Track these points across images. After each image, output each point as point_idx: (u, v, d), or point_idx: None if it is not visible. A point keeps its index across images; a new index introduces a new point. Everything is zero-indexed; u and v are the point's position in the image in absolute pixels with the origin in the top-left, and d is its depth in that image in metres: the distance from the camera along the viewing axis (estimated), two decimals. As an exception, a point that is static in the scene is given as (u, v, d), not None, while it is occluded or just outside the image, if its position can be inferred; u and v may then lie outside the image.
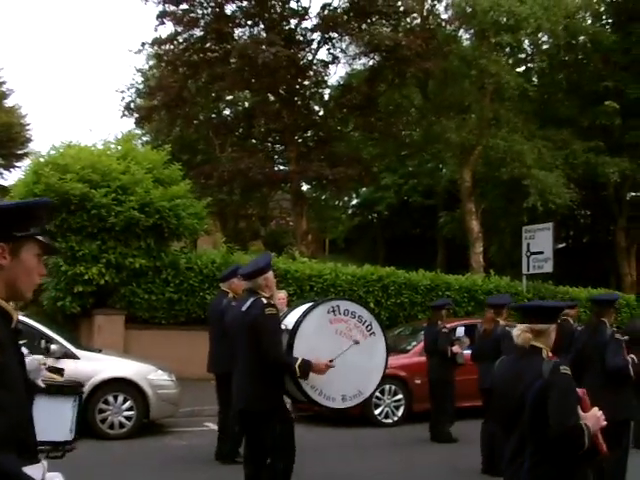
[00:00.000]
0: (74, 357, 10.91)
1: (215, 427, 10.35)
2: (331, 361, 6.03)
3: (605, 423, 4.14)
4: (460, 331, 12.20)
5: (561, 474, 4.12)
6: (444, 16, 28.65)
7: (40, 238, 2.53)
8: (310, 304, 6.44)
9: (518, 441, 4.26)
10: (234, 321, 6.48)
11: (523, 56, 31.24)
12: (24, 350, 5.43)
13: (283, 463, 6.13)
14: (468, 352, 10.81)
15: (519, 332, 4.40)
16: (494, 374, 4.66)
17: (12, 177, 43.35)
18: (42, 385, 4.58)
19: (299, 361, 5.93)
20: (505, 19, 24.63)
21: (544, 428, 4.04)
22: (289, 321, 6.30)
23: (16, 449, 2.27)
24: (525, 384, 4.19)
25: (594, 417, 4.09)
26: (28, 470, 2.29)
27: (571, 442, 4.01)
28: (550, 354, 4.35)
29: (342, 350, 6.10)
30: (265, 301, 6.08)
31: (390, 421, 13.03)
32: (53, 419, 4.32)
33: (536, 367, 4.19)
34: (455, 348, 11.54)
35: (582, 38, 29.08)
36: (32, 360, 4.61)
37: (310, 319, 6.20)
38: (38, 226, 2.52)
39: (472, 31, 28.21)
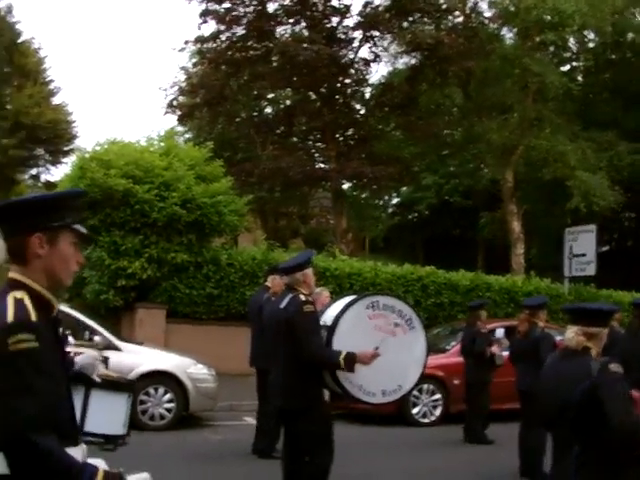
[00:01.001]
0: (116, 349, 11.07)
1: (253, 421, 10.42)
2: (377, 348, 5.99)
3: None
4: (500, 332, 12.11)
5: (610, 474, 4.06)
6: (487, 14, 28.47)
7: (76, 227, 2.59)
8: (349, 299, 6.39)
9: (565, 442, 4.22)
10: (272, 318, 6.50)
11: (568, 55, 30.88)
12: (70, 340, 5.52)
13: (321, 461, 6.14)
14: (507, 353, 10.74)
15: (572, 335, 4.37)
16: (540, 376, 4.63)
17: (58, 173, 44.06)
18: (97, 379, 4.68)
19: (344, 354, 5.87)
20: (549, 16, 24.34)
21: (592, 428, 4.00)
22: (328, 317, 6.27)
23: (54, 432, 2.33)
24: (573, 384, 4.15)
25: None
26: (69, 451, 2.35)
27: (631, 441, 3.96)
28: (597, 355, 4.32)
29: (382, 345, 6.07)
30: (303, 298, 6.06)
31: (427, 421, 12.99)
32: (108, 413, 4.40)
33: (585, 367, 4.15)
34: (494, 349, 11.44)
35: (630, 36, 28.66)
36: (88, 355, 4.71)
37: (349, 315, 6.16)
38: (74, 215, 2.59)
39: (515, 29, 27.98)
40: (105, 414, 4.32)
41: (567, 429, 4.20)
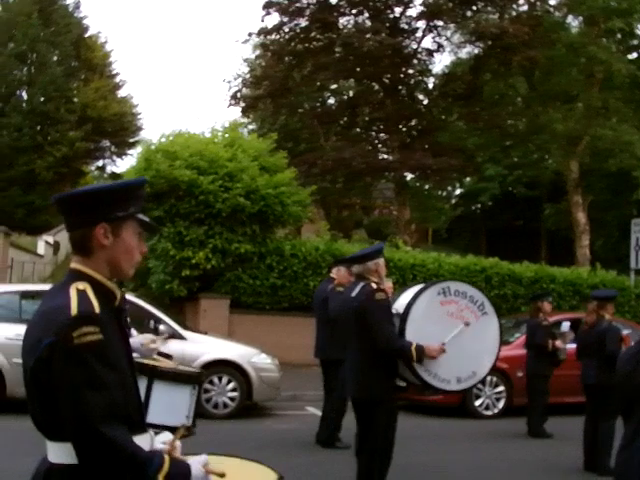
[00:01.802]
0: (181, 338, 11.25)
1: (315, 411, 10.50)
2: (444, 344, 5.97)
3: None
4: (565, 325, 11.94)
5: None
6: (552, 2, 28.04)
7: (140, 216, 2.58)
8: (420, 287, 6.35)
9: (632, 430, 4.21)
10: (343, 308, 6.51)
11: (635, 42, 30.23)
12: (132, 331, 5.60)
13: (383, 452, 6.16)
14: (573, 346, 10.59)
15: None
16: (617, 365, 4.61)
17: (124, 164, 44.82)
18: (154, 363, 4.74)
19: (414, 345, 5.87)
20: (617, 3, 23.87)
21: None
22: (400, 304, 6.23)
23: (123, 422, 2.35)
24: None
25: None
26: (136, 440, 2.38)
27: None
28: None
29: (454, 332, 6.05)
30: (374, 286, 6.05)
31: (490, 413, 12.89)
32: (170, 404, 4.45)
33: None
34: (558, 343, 11.29)
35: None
36: (139, 339, 4.78)
37: (420, 302, 6.12)
38: (137, 205, 2.57)
39: (580, 17, 27.51)
40: (167, 405, 4.38)
41: (636, 416, 4.18)
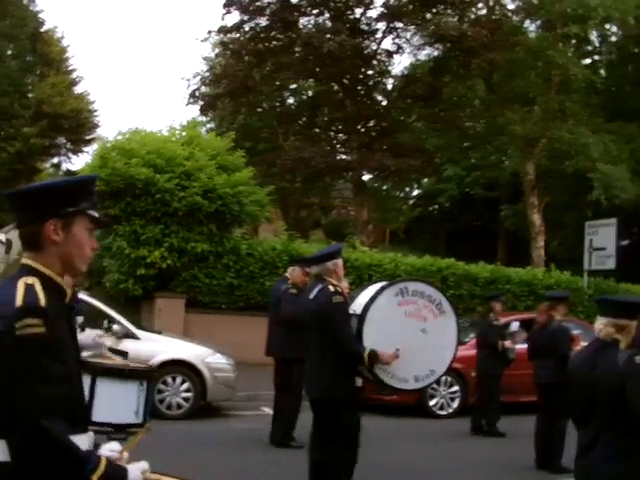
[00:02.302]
0: (135, 337, 11.17)
1: (270, 411, 10.47)
2: (397, 350, 6.00)
3: None
4: (514, 325, 12.12)
5: (636, 467, 4.09)
6: (510, 6, 28.30)
7: (90, 212, 2.58)
8: (378, 287, 6.38)
9: (592, 433, 4.25)
10: (301, 310, 6.52)
11: (590, 48, 30.68)
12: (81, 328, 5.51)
13: (350, 453, 6.17)
14: (524, 346, 10.70)
15: (602, 326, 4.39)
16: (569, 367, 4.65)
17: (80, 162, 44.33)
18: (99, 360, 4.67)
19: (367, 351, 5.91)
20: (573, 9, 24.17)
21: (620, 420, 4.03)
22: (357, 304, 6.26)
23: (64, 419, 2.33)
24: (600, 375, 4.20)
25: None
26: (74, 439, 2.34)
27: None
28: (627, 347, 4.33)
29: (412, 332, 6.06)
30: (332, 289, 6.09)
31: (445, 413, 13.00)
32: (116, 402, 4.38)
33: (612, 358, 4.19)
34: (507, 343, 11.43)
35: (654, 29, 28.39)
36: (88, 336, 4.71)
37: (378, 303, 6.16)
38: (88, 201, 2.57)
39: (539, 22, 27.80)
40: (113, 403, 4.31)
41: (596, 420, 4.22)
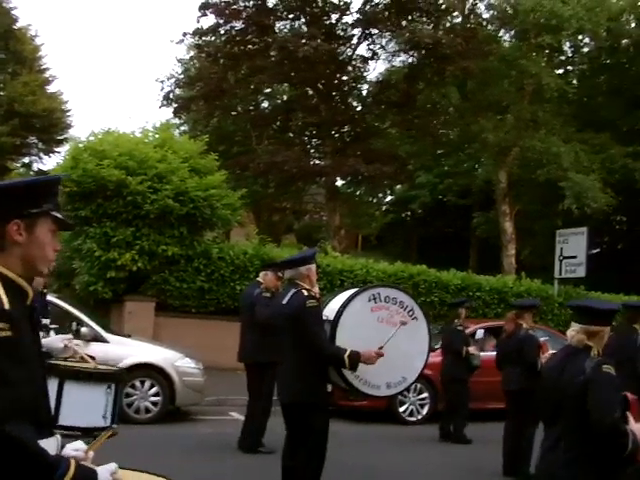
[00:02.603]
0: (103, 341, 11.08)
1: (239, 416, 10.43)
2: (380, 348, 5.97)
3: None
4: (479, 333, 12.18)
5: (594, 473, 4.11)
6: (485, 15, 28.53)
7: (54, 214, 2.55)
8: (350, 292, 6.37)
9: (556, 435, 4.27)
10: (274, 314, 6.50)
11: (563, 58, 31.00)
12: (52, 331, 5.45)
13: (318, 457, 6.16)
14: (492, 353, 10.77)
15: (573, 333, 4.40)
16: (542, 370, 4.67)
17: (51, 162, 43.90)
18: (66, 363, 4.60)
19: (348, 352, 5.87)
20: (547, 20, 24.41)
21: (582, 425, 4.05)
22: (330, 310, 6.24)
23: (27, 422, 2.29)
24: (567, 380, 4.22)
25: None
26: (42, 443, 2.31)
27: (612, 440, 4.00)
28: (598, 354, 4.35)
29: (386, 337, 6.05)
30: (306, 293, 6.07)
31: (414, 419, 13.01)
32: (83, 405, 4.33)
33: (580, 364, 4.20)
34: (472, 349, 11.50)
35: (625, 41, 28.79)
36: (55, 339, 4.65)
37: (350, 309, 6.13)
38: (52, 202, 2.54)
39: (513, 31, 28.03)
40: (80, 406, 4.25)
41: (560, 423, 4.25)
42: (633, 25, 29.03)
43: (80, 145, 17.50)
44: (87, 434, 4.19)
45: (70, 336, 4.87)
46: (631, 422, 4.09)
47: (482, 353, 11.90)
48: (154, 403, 11.38)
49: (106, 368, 5.19)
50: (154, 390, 11.38)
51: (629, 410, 4.16)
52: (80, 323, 10.98)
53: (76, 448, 2.59)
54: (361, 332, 6.04)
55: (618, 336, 8.48)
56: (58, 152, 40.70)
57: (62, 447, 2.55)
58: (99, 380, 4.55)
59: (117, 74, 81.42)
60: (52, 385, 4.15)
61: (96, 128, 17.97)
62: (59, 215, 2.58)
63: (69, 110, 42.27)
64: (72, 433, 4.08)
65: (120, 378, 5.13)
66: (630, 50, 28.98)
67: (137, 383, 11.27)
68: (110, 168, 16.13)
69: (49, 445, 2.39)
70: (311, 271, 6.27)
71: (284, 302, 6.22)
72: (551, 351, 9.75)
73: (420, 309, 6.47)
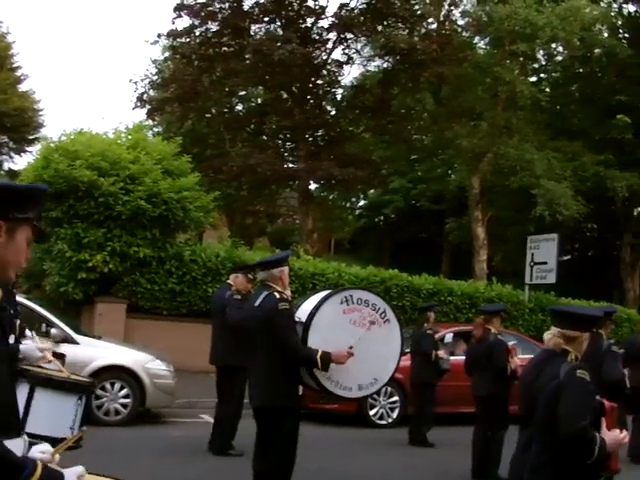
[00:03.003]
0: (73, 342, 10.98)
1: (210, 419, 10.40)
2: (351, 348, 5.99)
3: (622, 446, 4.14)
4: (449, 337, 12.22)
5: (564, 478, 4.12)
6: (460, 22, 28.69)
7: (35, 223, 2.53)
8: (323, 294, 6.38)
9: (528, 438, 4.29)
10: (246, 316, 6.49)
11: (537, 66, 31.26)
12: (28, 334, 5.40)
13: (288, 461, 6.15)
14: (462, 357, 10.82)
15: (550, 336, 4.42)
16: (521, 375, 4.68)
17: (22, 161, 43.54)
18: (39, 370, 4.54)
19: (319, 353, 5.87)
20: (521, 28, 24.61)
21: (552, 429, 4.06)
22: (302, 312, 6.24)
23: None
24: (542, 384, 4.23)
25: (615, 438, 4.08)
26: (8, 444, 2.29)
27: (579, 446, 4.00)
28: (576, 359, 4.36)
29: (357, 337, 6.06)
30: (278, 295, 6.06)
31: (384, 422, 13.03)
32: (52, 414, 4.27)
33: (556, 369, 4.20)
34: (440, 352, 11.55)
35: (597, 51, 29.10)
36: (31, 346, 4.60)
37: (323, 311, 6.14)
38: (36, 211, 2.53)
39: (487, 39, 28.22)
40: (49, 415, 4.17)
41: (533, 426, 4.26)
42: (606, 35, 29.33)
43: (52, 145, 17.39)
44: (52, 444, 4.14)
45: (49, 345, 4.82)
46: (604, 429, 4.09)
47: (452, 357, 11.95)
48: (124, 405, 11.30)
49: (78, 379, 5.12)
50: (124, 392, 11.31)
51: (604, 416, 4.16)
52: (50, 324, 10.88)
53: (42, 450, 2.57)
54: (333, 334, 6.05)
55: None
56: (30, 152, 40.36)
57: (29, 449, 2.53)
58: (71, 390, 4.47)
59: (90, 74, 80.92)
60: (22, 390, 4.09)
61: (68, 128, 17.91)
62: (40, 225, 2.58)
63: (41, 109, 41.99)
64: (37, 442, 4.03)
65: (92, 390, 5.05)
66: (602, 59, 29.31)
67: (107, 385, 11.18)
68: (82, 169, 16.02)
69: (16, 446, 2.37)
70: (284, 274, 6.27)
71: (256, 304, 6.21)
72: (520, 356, 9.85)
73: (392, 312, 6.49)
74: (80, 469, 2.43)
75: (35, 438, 3.93)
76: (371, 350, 6.19)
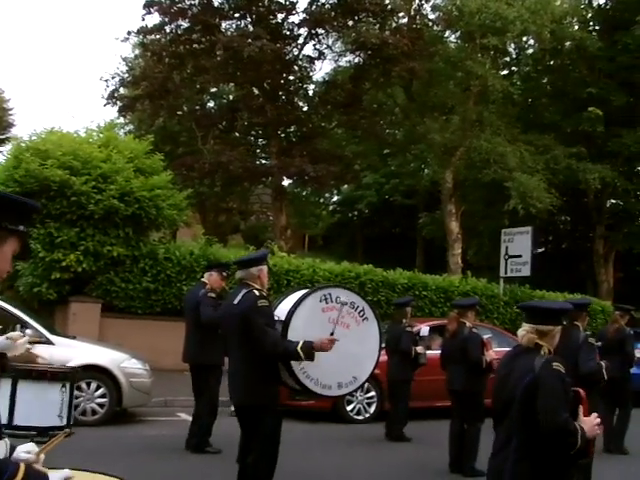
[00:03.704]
0: (48, 342, 10.88)
1: (187, 417, 10.38)
2: (332, 334, 5.97)
3: (599, 432, 4.18)
4: (424, 331, 12.23)
5: (544, 471, 4.14)
6: (431, 16, 28.74)
7: (23, 237, 2.53)
8: (302, 293, 6.38)
9: (505, 434, 4.30)
10: (225, 314, 6.47)
11: (508, 60, 31.43)
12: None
13: (270, 457, 6.13)
14: (437, 352, 10.85)
15: (524, 332, 4.44)
16: (496, 370, 4.70)
17: (-7, 161, 43.06)
18: (22, 364, 4.52)
19: (300, 344, 5.83)
20: (492, 22, 24.71)
21: (531, 423, 4.07)
22: (281, 311, 6.24)
23: None
24: (516, 378, 4.24)
25: (591, 423, 4.11)
26: None
27: (562, 439, 4.03)
28: (549, 352, 4.39)
29: (337, 334, 6.06)
30: (257, 293, 6.06)
31: (361, 418, 13.04)
32: (38, 404, 4.28)
33: (529, 363, 4.23)
34: (419, 348, 11.57)
35: (568, 44, 29.29)
36: (2, 339, 4.57)
37: (302, 309, 6.15)
38: (26, 225, 2.53)
39: (458, 33, 28.31)
40: (36, 406, 4.20)
41: (509, 422, 4.27)
42: (576, 28, 29.52)
43: (23, 145, 17.21)
44: (43, 434, 4.13)
45: (18, 333, 4.79)
46: (580, 416, 4.13)
47: (428, 351, 11.98)
48: (101, 405, 11.24)
49: (59, 368, 5.12)
50: (100, 392, 11.24)
51: (581, 404, 4.20)
52: (24, 325, 10.76)
53: (27, 450, 2.55)
54: (312, 333, 6.05)
55: (561, 334, 8.60)
56: (0, 151, 40.01)
57: (12, 448, 2.51)
58: (53, 379, 4.49)
59: (60, 72, 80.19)
60: (5, 385, 4.10)
61: (39, 127, 17.74)
62: (28, 241, 2.55)
63: (11, 109, 41.65)
64: (28, 433, 4.03)
65: (74, 377, 5.05)
66: (573, 52, 29.49)
67: (83, 385, 11.09)
68: (53, 168, 15.91)
69: None
70: (262, 272, 6.28)
71: (235, 302, 6.19)
72: (495, 348, 9.90)
73: (371, 309, 6.51)
74: (67, 472, 2.41)
75: (25, 430, 3.94)
76: (350, 348, 6.20)
